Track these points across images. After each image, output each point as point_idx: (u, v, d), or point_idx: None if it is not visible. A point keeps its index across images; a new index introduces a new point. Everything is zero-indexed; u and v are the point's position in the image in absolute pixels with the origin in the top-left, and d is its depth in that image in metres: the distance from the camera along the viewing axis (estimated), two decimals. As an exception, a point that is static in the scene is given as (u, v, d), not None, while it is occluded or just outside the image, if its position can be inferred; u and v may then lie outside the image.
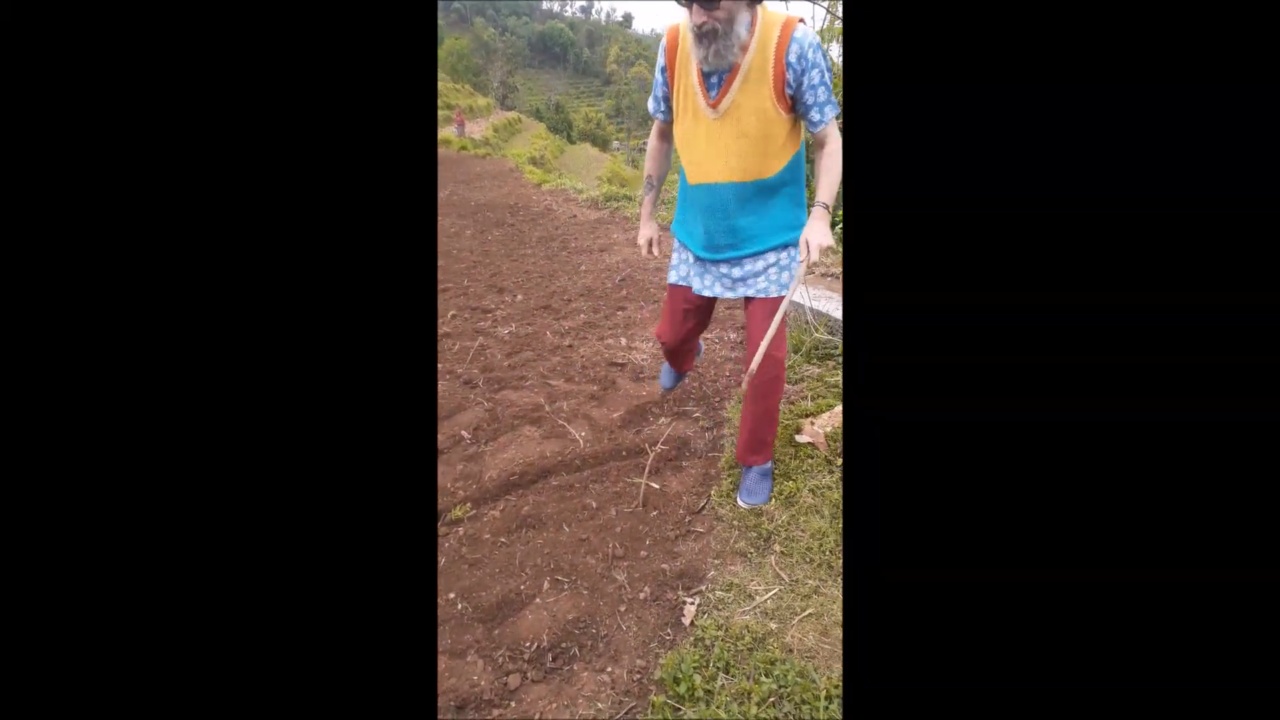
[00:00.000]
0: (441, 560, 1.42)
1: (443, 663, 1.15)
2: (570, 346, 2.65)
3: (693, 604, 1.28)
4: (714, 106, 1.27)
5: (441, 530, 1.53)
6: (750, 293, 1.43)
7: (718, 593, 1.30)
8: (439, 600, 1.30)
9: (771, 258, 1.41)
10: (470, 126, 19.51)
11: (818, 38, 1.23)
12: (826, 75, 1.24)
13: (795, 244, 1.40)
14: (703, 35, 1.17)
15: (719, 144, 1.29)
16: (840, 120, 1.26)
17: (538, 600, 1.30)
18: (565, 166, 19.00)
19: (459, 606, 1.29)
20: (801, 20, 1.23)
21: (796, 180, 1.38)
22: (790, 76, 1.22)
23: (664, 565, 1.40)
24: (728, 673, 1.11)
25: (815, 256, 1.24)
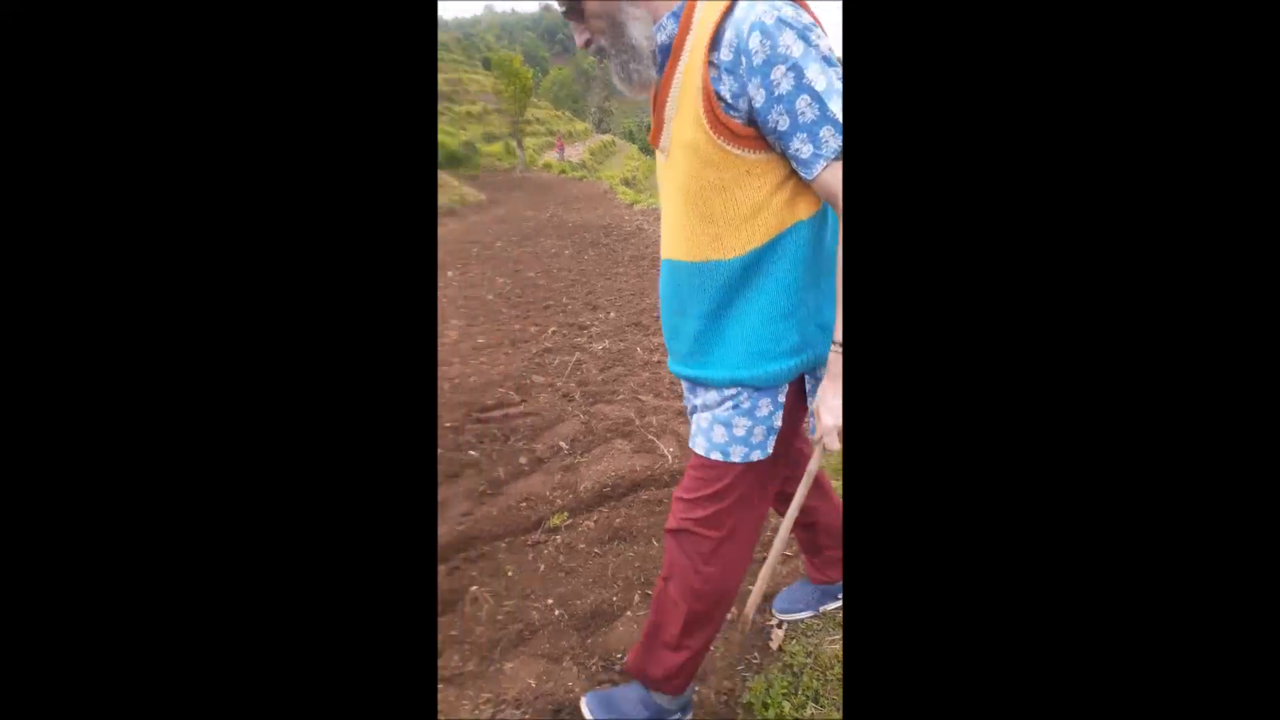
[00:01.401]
0: (541, 567, 1.51)
1: (540, 665, 1.22)
2: (659, 362, 2.70)
3: (781, 629, 1.27)
4: (655, 144, 0.81)
5: (541, 537, 1.62)
6: (692, 443, 0.89)
7: (807, 618, 1.28)
8: (539, 604, 1.38)
9: (716, 398, 0.84)
10: (569, 150, 20.43)
11: (788, 9, 0.68)
12: (809, 76, 0.66)
13: (761, 387, 0.82)
14: (599, 57, 0.80)
15: (665, 199, 0.83)
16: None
17: (629, 613, 1.34)
18: (656, 186, 19.36)
19: (556, 613, 1.36)
20: None
21: (785, 277, 0.77)
22: (727, 86, 0.69)
23: (751, 587, 1.39)
24: (817, 702, 1.08)
25: (834, 444, 0.78)
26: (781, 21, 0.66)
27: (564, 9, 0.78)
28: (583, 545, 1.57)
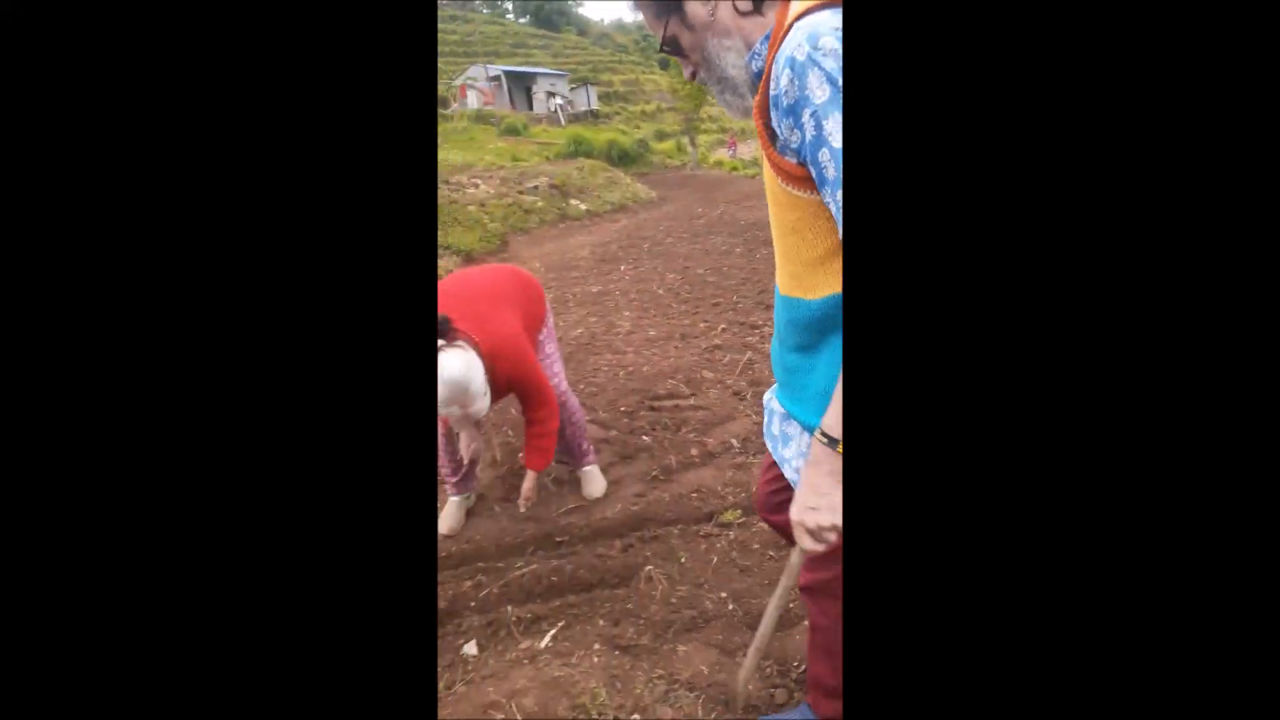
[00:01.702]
0: (714, 559, 1.53)
1: (713, 655, 1.24)
2: (839, 370, 2.58)
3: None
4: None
5: (714, 530, 1.64)
6: (791, 477, 0.82)
7: None
8: (712, 595, 1.40)
9: (803, 442, 0.79)
10: (741, 148, 20.25)
11: (829, 39, 0.58)
12: (828, 128, 0.58)
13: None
14: (705, 86, 0.78)
15: None
16: None
17: (806, 622, 1.30)
18: (831, 182, 18.42)
19: (730, 607, 1.36)
20: (824, 3, 0.62)
21: None
22: (775, 116, 0.63)
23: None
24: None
25: (808, 544, 0.68)
26: (811, 59, 0.58)
27: (663, 47, 0.75)
28: (757, 546, 1.56)
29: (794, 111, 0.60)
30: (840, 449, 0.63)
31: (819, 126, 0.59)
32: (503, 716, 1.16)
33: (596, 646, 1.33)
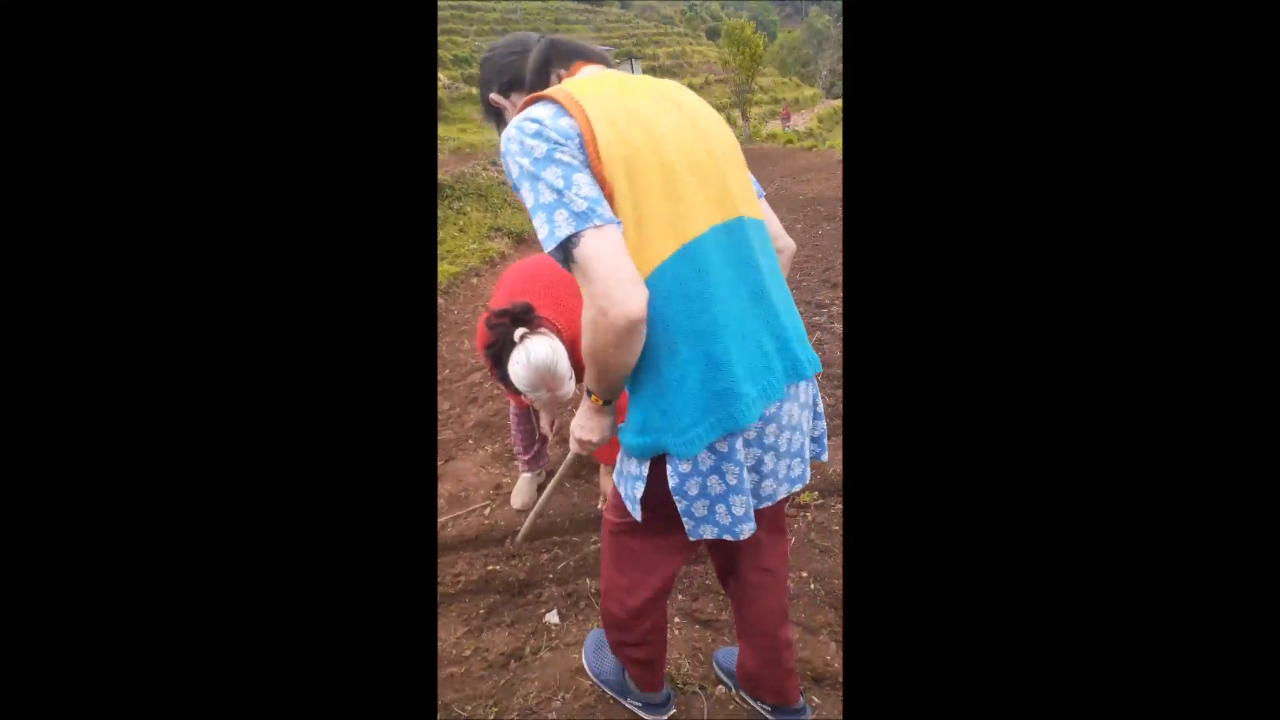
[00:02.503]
0: (792, 539, 1.52)
1: (796, 633, 1.24)
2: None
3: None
4: None
5: (790, 510, 1.63)
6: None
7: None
8: (792, 575, 1.40)
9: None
10: (795, 119, 19.58)
11: (514, 129, 0.73)
12: (522, 194, 0.72)
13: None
14: None
15: None
16: (579, 249, 0.68)
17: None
18: (891, 152, 17.52)
19: (811, 586, 1.36)
20: (536, 99, 0.75)
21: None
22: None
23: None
24: None
25: (575, 448, 0.93)
26: (505, 148, 0.73)
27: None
28: (835, 527, 1.54)
29: (515, 188, 0.75)
30: (593, 397, 0.82)
31: (519, 166, 0.72)
32: (590, 682, 1.21)
33: (676, 620, 1.36)
